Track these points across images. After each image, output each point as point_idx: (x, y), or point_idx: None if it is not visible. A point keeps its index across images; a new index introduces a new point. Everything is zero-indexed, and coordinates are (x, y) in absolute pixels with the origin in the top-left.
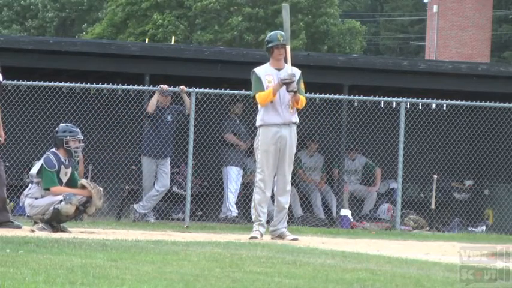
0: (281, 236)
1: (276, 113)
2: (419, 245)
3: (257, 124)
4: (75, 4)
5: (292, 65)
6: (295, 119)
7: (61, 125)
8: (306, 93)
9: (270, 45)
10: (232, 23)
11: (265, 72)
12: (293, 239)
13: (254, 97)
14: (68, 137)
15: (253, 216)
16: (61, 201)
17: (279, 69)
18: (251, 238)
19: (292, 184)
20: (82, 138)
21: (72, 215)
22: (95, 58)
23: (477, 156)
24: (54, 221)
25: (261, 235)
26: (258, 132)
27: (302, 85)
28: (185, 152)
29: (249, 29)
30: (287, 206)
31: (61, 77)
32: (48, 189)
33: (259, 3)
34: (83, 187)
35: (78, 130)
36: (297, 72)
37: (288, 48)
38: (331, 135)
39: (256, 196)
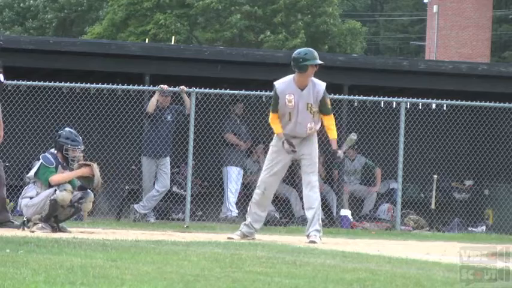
0: (309, 237)
1: (289, 128)
2: (419, 245)
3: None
4: (74, 5)
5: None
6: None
7: (66, 129)
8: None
9: (306, 63)
10: (232, 21)
11: (287, 91)
12: (310, 242)
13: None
14: (69, 146)
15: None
16: (55, 190)
17: (302, 89)
18: (228, 238)
19: (292, 185)
20: (82, 148)
21: (70, 212)
22: (95, 58)
23: (477, 156)
24: (53, 213)
25: (243, 236)
26: None
27: (327, 101)
28: (185, 152)
29: (249, 27)
30: (310, 206)
31: (61, 77)
32: (49, 184)
33: (259, 3)
34: (82, 166)
35: (81, 140)
36: (322, 86)
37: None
38: None
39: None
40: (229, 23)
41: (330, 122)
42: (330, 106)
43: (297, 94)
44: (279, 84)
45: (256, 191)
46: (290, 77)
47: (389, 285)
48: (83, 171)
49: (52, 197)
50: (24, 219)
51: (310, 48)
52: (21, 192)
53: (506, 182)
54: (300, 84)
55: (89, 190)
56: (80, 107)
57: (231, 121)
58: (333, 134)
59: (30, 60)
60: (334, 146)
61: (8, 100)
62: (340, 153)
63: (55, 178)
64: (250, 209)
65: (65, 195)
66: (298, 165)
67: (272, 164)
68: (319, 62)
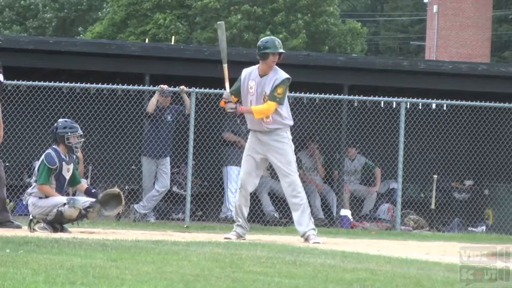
0: (307, 239)
1: (248, 120)
2: (419, 245)
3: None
4: (74, 4)
5: (292, 66)
6: (270, 125)
7: (60, 120)
8: (306, 93)
9: (267, 51)
10: (232, 21)
11: (249, 78)
12: (314, 243)
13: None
14: (69, 133)
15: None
16: (65, 204)
17: (262, 76)
18: (225, 238)
19: None
20: (82, 133)
21: (75, 218)
22: (95, 58)
23: (477, 156)
24: (57, 222)
25: (238, 236)
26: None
27: (278, 90)
28: (185, 152)
29: (248, 27)
30: (296, 203)
31: (61, 77)
32: (39, 184)
33: (259, 2)
34: (116, 196)
35: (78, 126)
36: (281, 76)
37: (225, 67)
38: (331, 135)
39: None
40: (228, 23)
41: (266, 103)
42: (278, 95)
43: (257, 81)
44: (244, 70)
45: (238, 190)
46: (257, 65)
47: (389, 285)
48: (71, 211)
49: (60, 209)
50: (31, 217)
51: (273, 37)
52: (21, 192)
53: (506, 182)
54: (261, 71)
55: (97, 201)
56: (80, 107)
57: (231, 121)
58: (256, 107)
59: (30, 60)
60: (240, 107)
61: (8, 100)
62: (232, 107)
63: (45, 189)
64: (236, 210)
65: (72, 212)
66: (298, 164)
67: (244, 161)
68: (280, 50)
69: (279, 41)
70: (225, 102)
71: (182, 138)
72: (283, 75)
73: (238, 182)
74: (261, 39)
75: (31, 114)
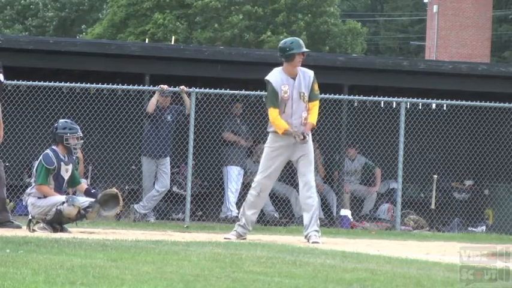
0: (308, 239)
1: (284, 119)
2: (419, 245)
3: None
4: (75, 4)
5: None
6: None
7: (60, 121)
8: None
9: (293, 51)
10: (233, 21)
11: (282, 82)
12: (313, 243)
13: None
14: (68, 134)
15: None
16: (63, 202)
17: (294, 78)
18: (225, 238)
19: (292, 185)
20: (82, 135)
21: (74, 217)
22: (95, 58)
23: (477, 156)
24: (56, 222)
25: (238, 236)
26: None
27: (316, 87)
28: (185, 152)
29: (249, 27)
30: (309, 203)
31: (61, 77)
32: (38, 185)
33: (259, 2)
34: (115, 196)
35: (78, 127)
36: (311, 73)
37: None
38: (331, 135)
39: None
40: (229, 23)
41: (314, 106)
42: (317, 92)
43: (290, 84)
44: (272, 77)
45: (252, 192)
46: (278, 69)
47: (389, 285)
48: (70, 210)
49: (59, 207)
50: (30, 217)
51: (296, 38)
52: (21, 192)
53: (506, 182)
54: (289, 74)
55: (96, 201)
56: (80, 107)
57: (231, 121)
58: (312, 117)
59: (30, 60)
60: (307, 129)
61: (8, 100)
62: (304, 137)
63: (43, 189)
64: (244, 210)
65: (71, 211)
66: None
67: (267, 165)
68: (306, 50)
69: (301, 40)
70: (303, 137)
71: (182, 138)
72: (311, 72)
73: (257, 187)
74: (283, 41)
75: (31, 114)
